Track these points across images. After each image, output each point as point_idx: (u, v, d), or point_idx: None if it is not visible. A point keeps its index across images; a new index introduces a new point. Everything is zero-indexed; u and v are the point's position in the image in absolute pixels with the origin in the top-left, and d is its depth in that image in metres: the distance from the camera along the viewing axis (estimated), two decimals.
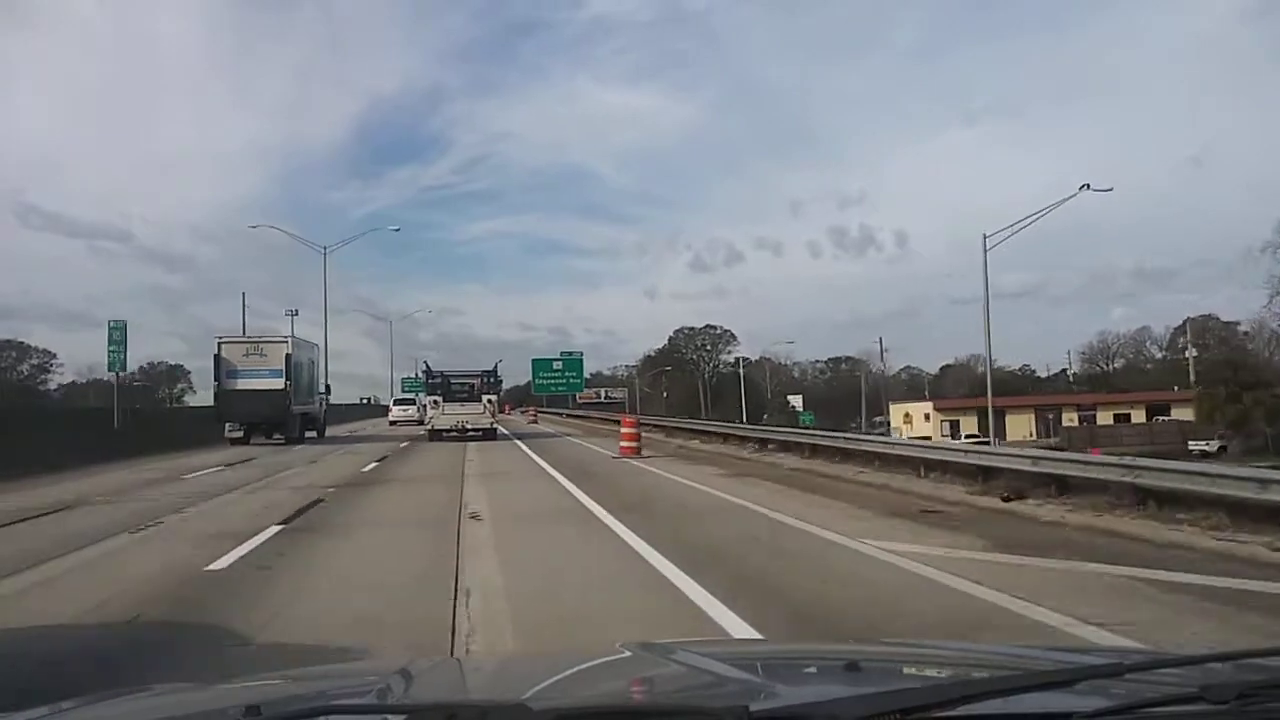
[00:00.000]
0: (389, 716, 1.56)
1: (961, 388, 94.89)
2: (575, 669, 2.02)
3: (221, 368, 30.06)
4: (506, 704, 1.41)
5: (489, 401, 31.64)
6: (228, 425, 30.13)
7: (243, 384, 29.80)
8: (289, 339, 32.28)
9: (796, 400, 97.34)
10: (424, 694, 1.77)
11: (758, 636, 5.31)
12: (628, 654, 2.11)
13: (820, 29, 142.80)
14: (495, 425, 32.37)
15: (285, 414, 30.29)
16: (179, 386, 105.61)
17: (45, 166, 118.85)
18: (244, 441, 29.66)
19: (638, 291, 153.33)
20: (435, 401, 31.69)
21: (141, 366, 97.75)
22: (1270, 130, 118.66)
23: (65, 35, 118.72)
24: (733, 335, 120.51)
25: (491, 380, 32.72)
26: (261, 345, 30.91)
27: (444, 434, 30.60)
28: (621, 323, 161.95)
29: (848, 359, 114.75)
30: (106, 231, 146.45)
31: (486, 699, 1.58)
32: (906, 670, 2.03)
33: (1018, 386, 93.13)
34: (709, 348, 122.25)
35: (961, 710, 1.31)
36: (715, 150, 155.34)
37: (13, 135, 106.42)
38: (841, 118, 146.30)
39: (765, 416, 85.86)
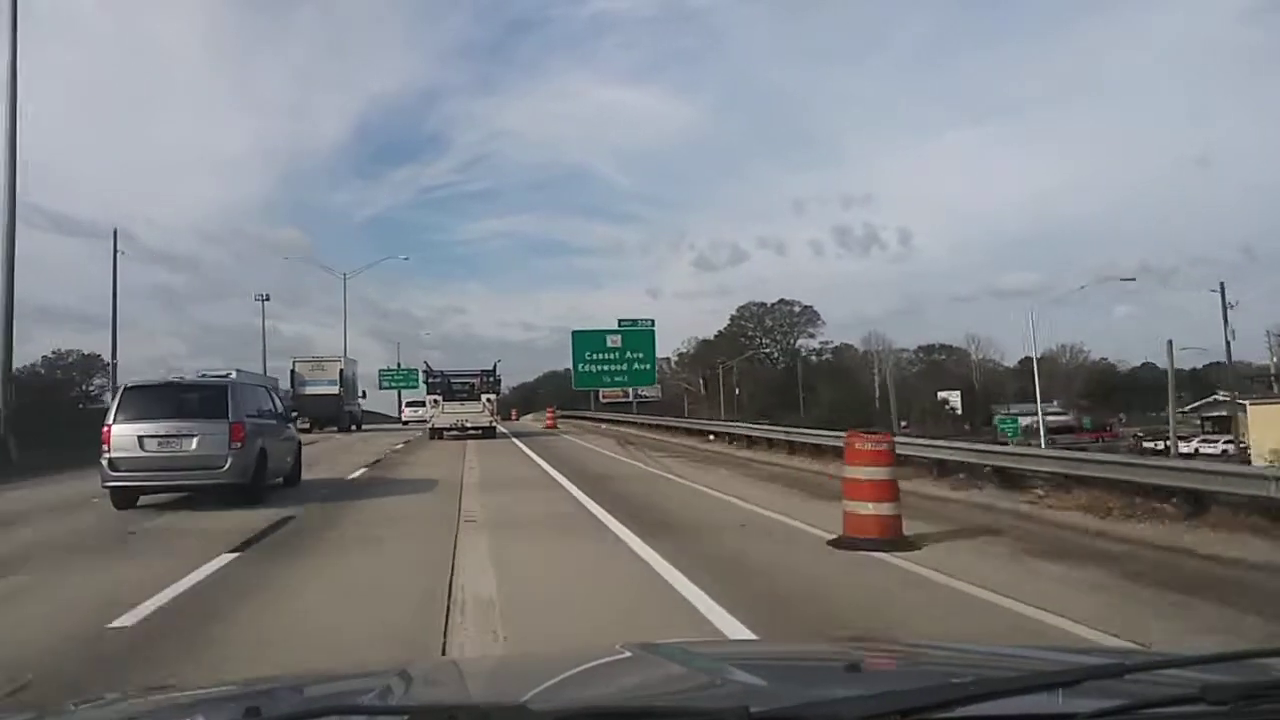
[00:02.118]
0: (390, 718, 1.58)
1: (1071, 383, 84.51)
2: (575, 670, 2.02)
3: (295, 379, 41.95)
4: (507, 705, 1.42)
5: (488, 400, 32.99)
6: (297, 420, 41.31)
7: (310, 390, 41.11)
8: (341, 359, 45.19)
9: (953, 397, 79.23)
10: (424, 695, 1.79)
11: (756, 637, 5.34)
12: (628, 655, 2.12)
13: (822, 29, 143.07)
14: (494, 424, 33.94)
15: (339, 412, 41.75)
16: (95, 383, 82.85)
17: (48, 167, 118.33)
18: (308, 432, 37.84)
19: (640, 290, 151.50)
20: (435, 400, 32.99)
21: (46, 357, 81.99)
22: (1271, 129, 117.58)
23: (67, 36, 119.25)
24: (815, 314, 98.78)
25: (491, 380, 33.85)
26: (323, 363, 43.38)
27: (444, 432, 32.03)
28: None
29: (942, 346, 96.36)
30: (109, 232, 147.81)
31: (487, 700, 1.60)
32: (907, 671, 2.03)
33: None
34: (784, 330, 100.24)
35: (962, 711, 1.32)
36: (718, 150, 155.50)
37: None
38: (844, 118, 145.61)
39: (904, 424, 69.79)
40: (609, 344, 38.30)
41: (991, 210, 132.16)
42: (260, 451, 13.43)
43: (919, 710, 1.29)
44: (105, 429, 12.70)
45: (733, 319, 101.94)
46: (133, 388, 13.56)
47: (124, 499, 12.68)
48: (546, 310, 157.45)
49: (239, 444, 12.77)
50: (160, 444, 12.56)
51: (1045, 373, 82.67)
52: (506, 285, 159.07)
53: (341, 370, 43.21)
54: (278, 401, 16.35)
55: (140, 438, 12.52)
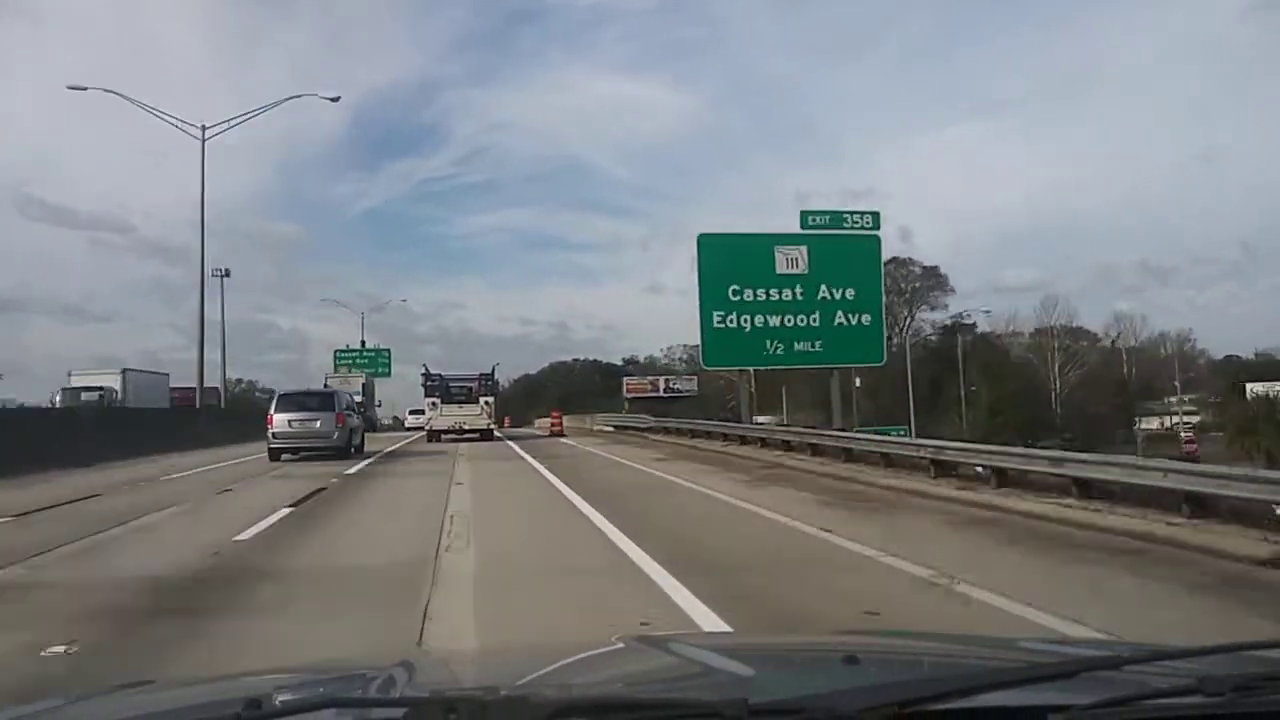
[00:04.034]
0: (389, 710, 1.58)
1: (1190, 375, 68.41)
2: (571, 661, 2.05)
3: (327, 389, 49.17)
4: (506, 696, 1.44)
5: (486, 404, 32.99)
6: None
7: None
8: (364, 374, 54.49)
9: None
10: (423, 687, 1.80)
11: (751, 631, 5.32)
12: (624, 646, 2.15)
13: (823, 22, 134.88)
14: (492, 427, 33.75)
15: (363, 416, 49.62)
16: None
17: (45, 159, 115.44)
18: None
19: (640, 287, 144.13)
20: (434, 404, 33.11)
21: None
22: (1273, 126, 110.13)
23: (63, 27, 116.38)
24: (942, 278, 73.15)
25: (489, 383, 33.98)
26: (349, 377, 50.62)
27: (442, 435, 32.12)
28: (623, 318, 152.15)
29: (1065, 328, 71.07)
30: (107, 223, 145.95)
31: (486, 691, 1.58)
32: (905, 663, 2.02)
33: None
34: (902, 299, 73.46)
35: (960, 703, 1.32)
36: (718, 143, 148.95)
37: (12, 126, 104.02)
38: (845, 112, 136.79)
39: (1191, 439, 52.29)
40: (782, 267, 18.76)
41: (991, 206, 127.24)
42: (350, 430, 23.72)
43: (917, 702, 1.29)
44: (269, 416, 23.14)
45: None
46: (283, 394, 24.32)
47: (276, 455, 22.28)
48: (544, 306, 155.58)
49: (340, 425, 23.01)
50: (299, 424, 22.62)
51: (1147, 369, 70.66)
52: (504, 280, 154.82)
53: (364, 382, 51.98)
54: (354, 402, 27.30)
55: (289, 420, 22.67)
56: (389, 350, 64.02)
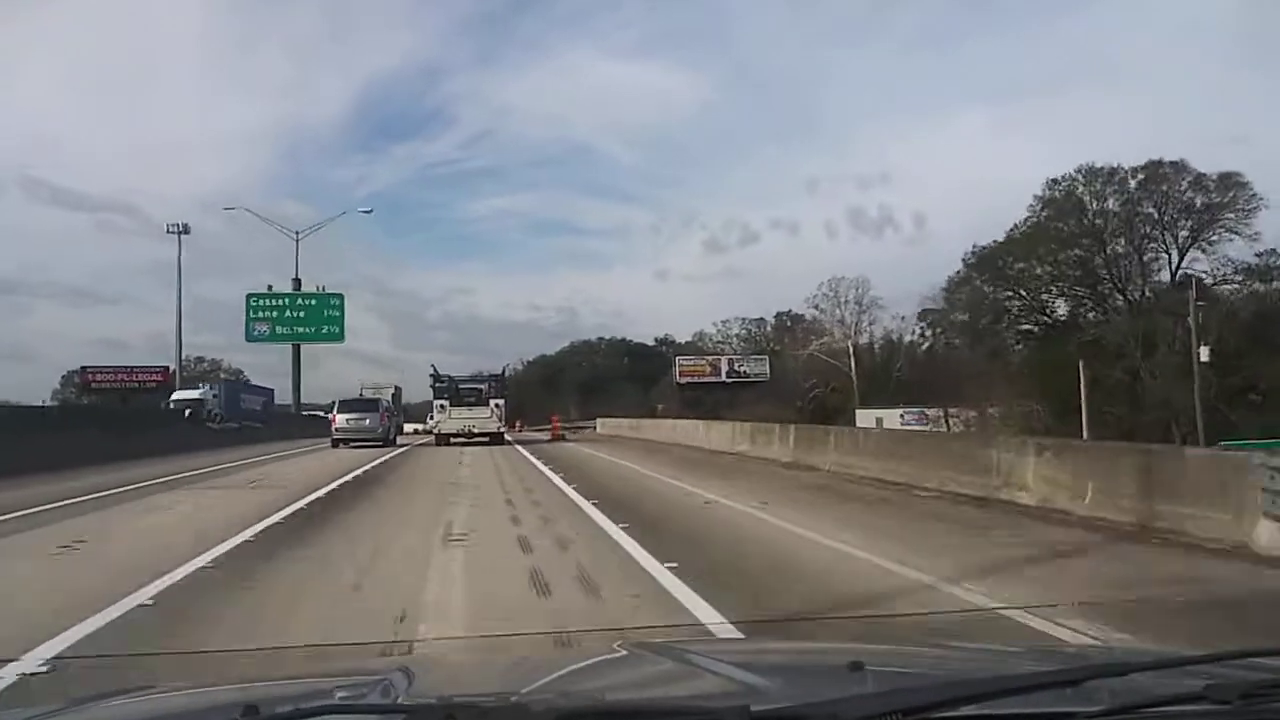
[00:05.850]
0: (388, 716, 1.59)
1: None
2: (573, 667, 2.04)
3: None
4: (506, 704, 1.44)
5: (496, 406, 32.30)
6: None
7: None
8: (394, 386, 58.60)
9: None
10: (423, 693, 1.79)
11: (755, 637, 5.25)
12: (626, 653, 2.16)
13: (834, 6, 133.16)
14: (503, 430, 33.04)
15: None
16: None
17: (51, 141, 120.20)
18: None
19: (650, 272, 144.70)
20: (442, 406, 32.40)
21: None
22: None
23: (70, 9, 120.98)
24: (1244, 189, 51.40)
25: (499, 385, 33.53)
26: (380, 388, 52.08)
27: (451, 439, 31.36)
28: (633, 302, 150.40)
29: None
30: (114, 206, 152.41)
31: (486, 698, 1.59)
32: (909, 671, 2.00)
33: None
34: (1172, 222, 51.42)
35: (964, 710, 1.31)
36: (729, 131, 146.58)
37: (19, 109, 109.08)
38: (856, 98, 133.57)
39: None
40: None
41: (1006, 192, 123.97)
42: (388, 427, 32.32)
43: (920, 709, 1.28)
44: (332, 416, 32.80)
45: (1045, 203, 53.66)
46: (342, 401, 33.69)
47: (335, 445, 29.82)
48: (554, 290, 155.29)
49: (384, 422, 31.79)
50: (353, 421, 31.02)
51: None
52: (512, 265, 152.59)
53: (393, 394, 55.64)
54: (392, 405, 37.79)
55: (346, 418, 31.21)
56: (341, 296, 45.71)
